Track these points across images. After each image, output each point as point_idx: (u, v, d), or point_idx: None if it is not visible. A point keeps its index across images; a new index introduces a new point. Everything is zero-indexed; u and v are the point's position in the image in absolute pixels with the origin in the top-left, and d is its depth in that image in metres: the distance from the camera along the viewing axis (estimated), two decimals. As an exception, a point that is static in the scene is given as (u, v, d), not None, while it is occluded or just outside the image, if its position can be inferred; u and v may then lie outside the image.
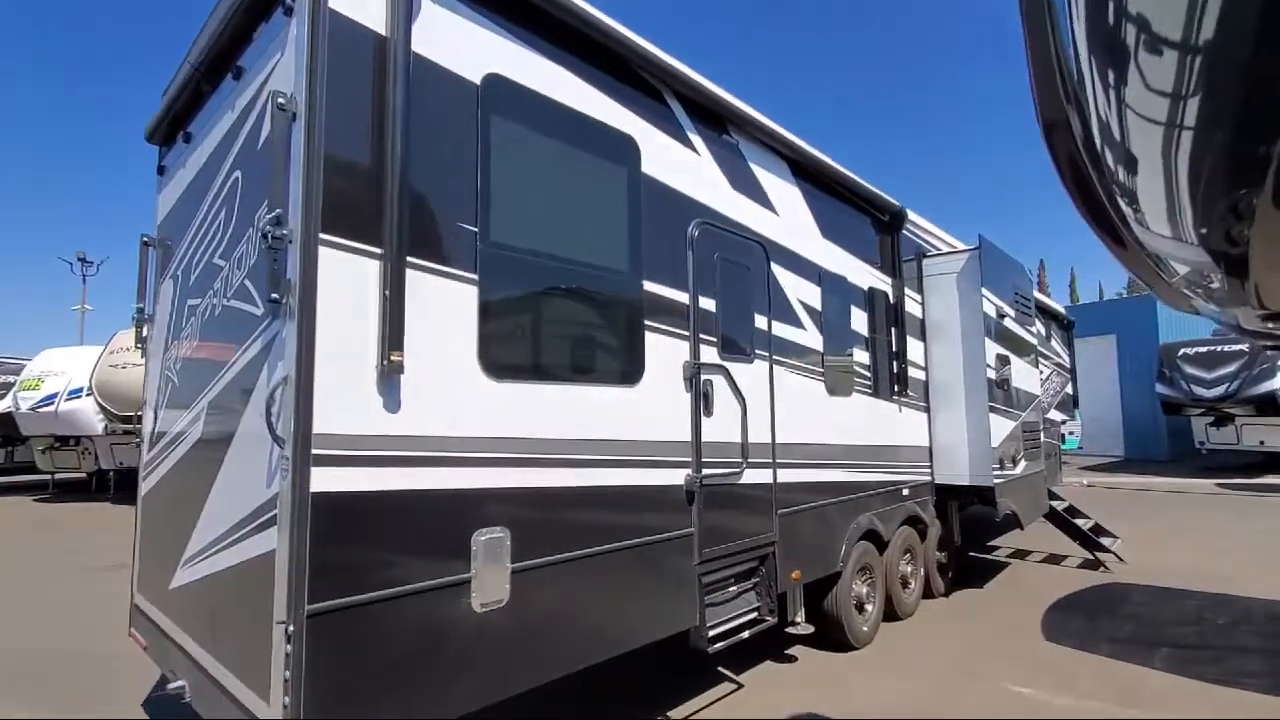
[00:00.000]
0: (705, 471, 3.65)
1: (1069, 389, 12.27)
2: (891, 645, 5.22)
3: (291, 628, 2.10)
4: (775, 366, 4.37)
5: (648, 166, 3.54)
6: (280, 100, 2.36)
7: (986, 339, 6.25)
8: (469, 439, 2.59)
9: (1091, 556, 7.96)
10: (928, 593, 6.36)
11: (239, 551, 2.53)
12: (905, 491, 5.93)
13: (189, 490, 3.09)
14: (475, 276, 2.67)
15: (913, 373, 6.28)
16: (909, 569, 5.96)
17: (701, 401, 3.69)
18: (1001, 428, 6.39)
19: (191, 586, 3.01)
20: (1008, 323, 6.84)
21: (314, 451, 2.16)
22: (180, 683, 2.95)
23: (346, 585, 2.20)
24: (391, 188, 2.37)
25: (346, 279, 2.29)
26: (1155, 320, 21.88)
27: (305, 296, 2.20)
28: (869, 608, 5.27)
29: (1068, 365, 12.40)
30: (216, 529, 2.75)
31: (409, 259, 2.43)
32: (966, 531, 7.22)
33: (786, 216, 4.70)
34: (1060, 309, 12.55)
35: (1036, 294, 10.68)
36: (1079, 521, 8.06)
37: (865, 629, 5.16)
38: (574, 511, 2.98)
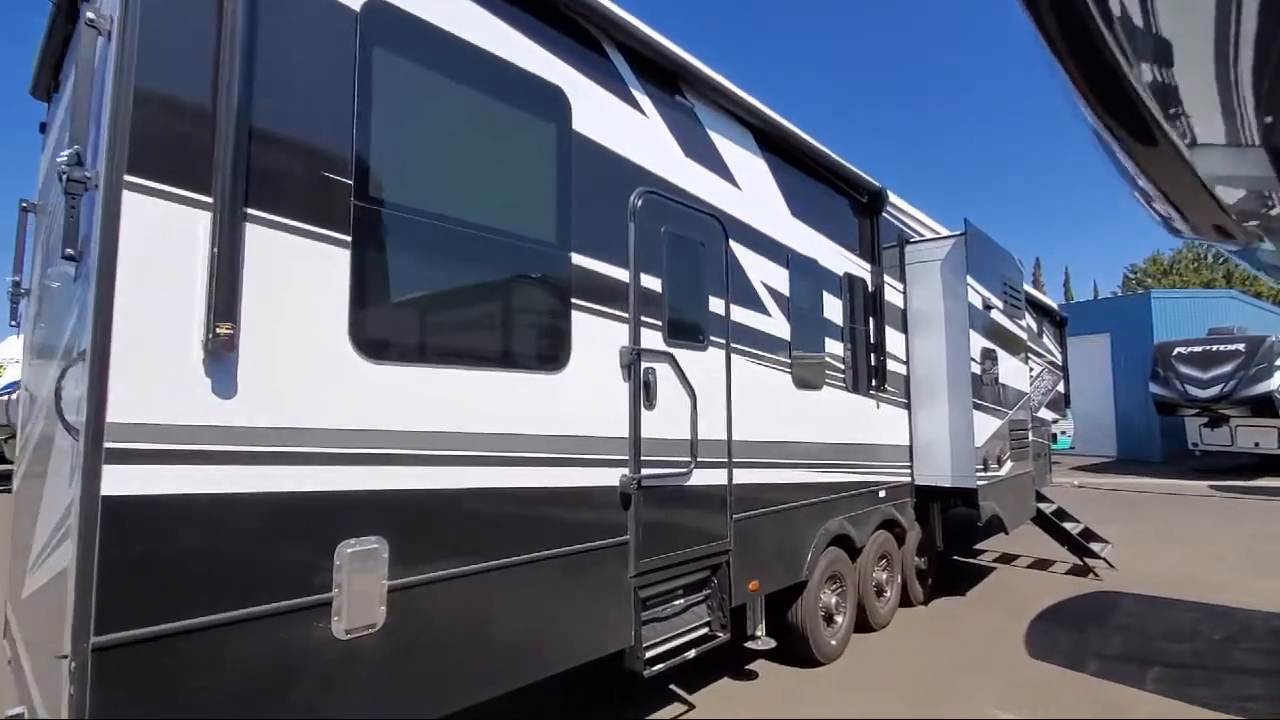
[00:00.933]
0: (645, 471, 3.23)
1: (1060, 387, 11.90)
2: (862, 660, 4.83)
3: (74, 664, 1.68)
4: (734, 355, 3.95)
5: (581, 124, 3.11)
6: (90, 15, 1.93)
7: (972, 331, 5.84)
8: (334, 431, 2.17)
9: (1080, 562, 7.58)
10: (905, 601, 5.97)
11: (51, 565, 2.10)
12: (882, 493, 5.52)
13: (36, 489, 2.66)
14: (348, 238, 2.24)
15: (893, 366, 5.88)
16: (884, 576, 5.56)
17: (642, 392, 3.27)
18: (986, 426, 6.00)
19: (31, 598, 2.59)
20: (995, 315, 6.44)
21: (107, 445, 1.73)
22: (19, 709, 2.53)
23: (151, 611, 1.78)
24: (226, 124, 1.94)
25: (160, 231, 1.85)
26: (1150, 319, 21.55)
27: (105, 252, 1.77)
28: (839, 619, 4.87)
29: (1060, 363, 12.02)
30: (43, 536, 2.33)
31: (250, 211, 2.00)
32: (950, 534, 6.83)
33: (750, 191, 4.27)
34: (1053, 305, 12.18)
35: (1029, 289, 10.27)
36: (1068, 525, 7.68)
37: (834, 643, 4.76)
38: (476, 517, 2.55)
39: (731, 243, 4.02)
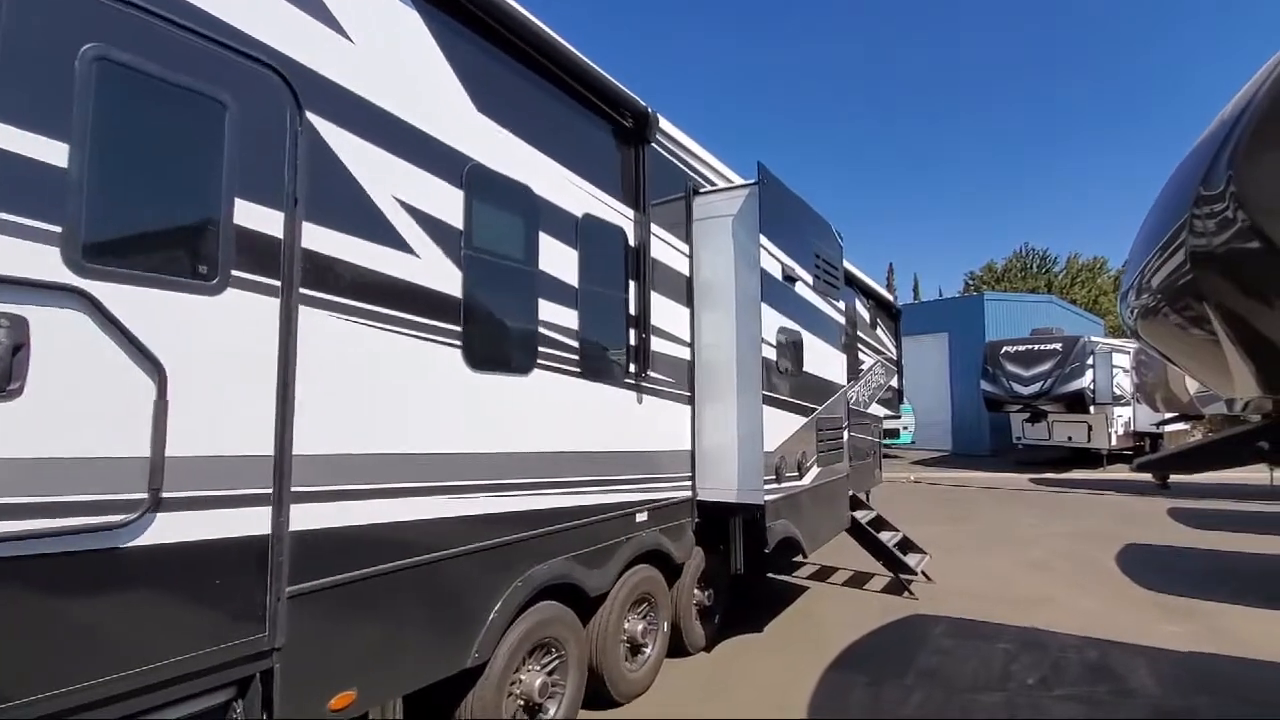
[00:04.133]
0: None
1: (894, 382, 11.39)
2: (583, 762, 3.38)
3: None
4: (310, 308, 2.30)
5: None
6: None
7: (765, 306, 4.59)
8: None
9: (895, 578, 6.71)
10: (681, 648, 4.65)
11: None
12: (641, 517, 4.13)
13: None
14: None
15: (669, 349, 4.52)
16: (642, 627, 4.17)
17: (-39, 364, 1.54)
18: (784, 425, 4.80)
19: None
20: (800, 290, 5.27)
21: None
22: None
23: None
24: None
25: None
26: (983, 319, 22.52)
27: None
28: (550, 708, 3.38)
29: (895, 357, 11.52)
30: None
31: None
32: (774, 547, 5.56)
33: (374, 49, 2.64)
34: (888, 295, 11.64)
35: (866, 278, 9.50)
36: (885, 535, 6.78)
37: (536, 745, 3.27)
38: None
39: (315, 118, 2.37)
